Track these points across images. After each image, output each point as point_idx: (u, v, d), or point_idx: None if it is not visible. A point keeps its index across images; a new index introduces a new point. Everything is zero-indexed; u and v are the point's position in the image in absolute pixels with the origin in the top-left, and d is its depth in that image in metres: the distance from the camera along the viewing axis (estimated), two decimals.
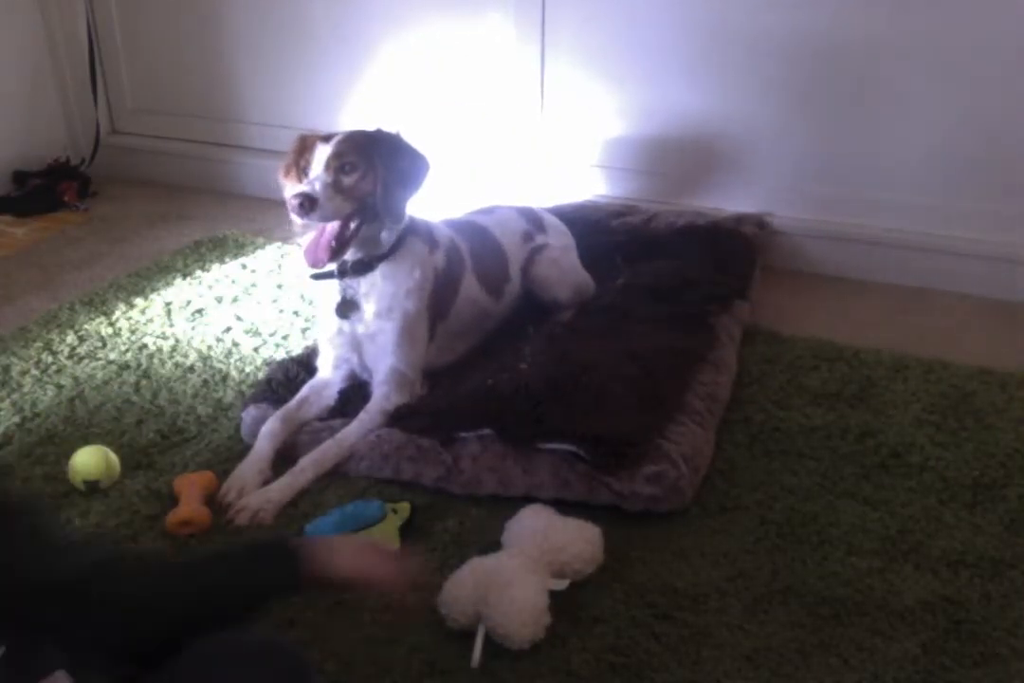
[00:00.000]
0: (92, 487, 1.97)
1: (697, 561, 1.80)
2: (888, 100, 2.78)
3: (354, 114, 3.38)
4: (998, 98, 2.68)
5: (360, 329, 2.16)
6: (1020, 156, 2.71)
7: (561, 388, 2.04)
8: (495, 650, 1.59)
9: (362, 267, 2.14)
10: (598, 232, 2.87)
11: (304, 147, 2.10)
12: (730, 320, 2.47)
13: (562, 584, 1.66)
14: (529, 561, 1.67)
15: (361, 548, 1.41)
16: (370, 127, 2.16)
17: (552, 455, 1.93)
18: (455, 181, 3.20)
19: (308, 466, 1.99)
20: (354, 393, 2.20)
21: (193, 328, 2.64)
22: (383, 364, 2.14)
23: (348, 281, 2.14)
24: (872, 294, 2.86)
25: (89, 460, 1.98)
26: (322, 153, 2.05)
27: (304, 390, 2.18)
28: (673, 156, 3.06)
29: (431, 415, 2.04)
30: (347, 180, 2.04)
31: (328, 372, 2.22)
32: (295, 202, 2.00)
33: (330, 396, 2.19)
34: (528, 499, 1.90)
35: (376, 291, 2.14)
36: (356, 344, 2.18)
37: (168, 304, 2.76)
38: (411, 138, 2.19)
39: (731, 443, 2.12)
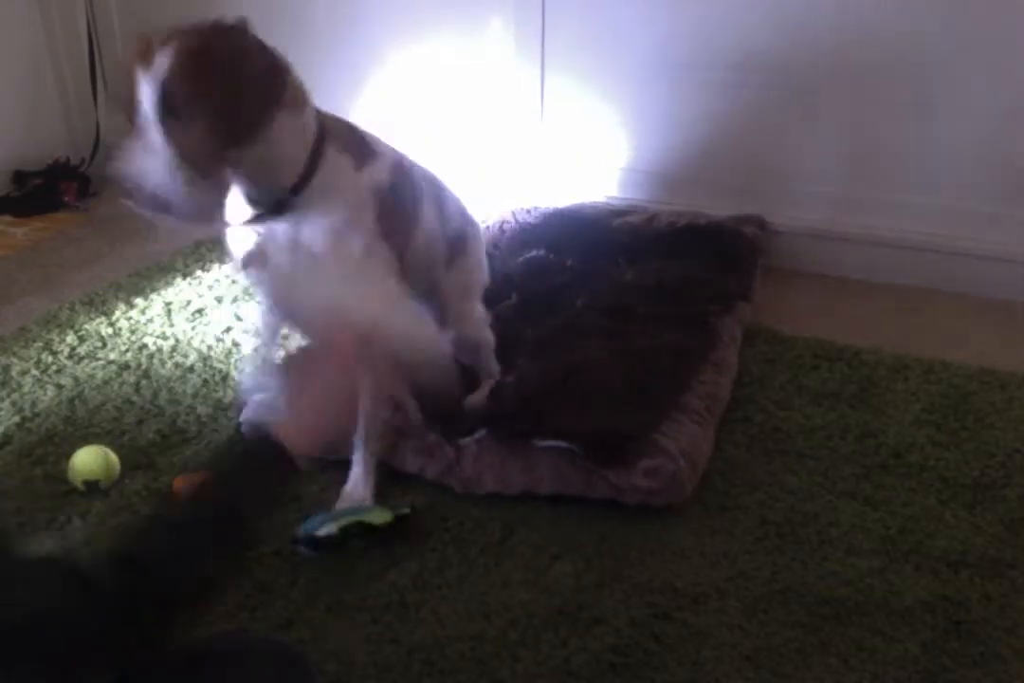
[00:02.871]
0: (92, 487, 1.97)
1: (697, 561, 1.80)
2: (888, 100, 2.77)
3: (355, 118, 3.38)
4: (999, 98, 2.68)
5: (304, 279, 1.69)
6: (1021, 156, 2.71)
7: (559, 386, 2.05)
8: (495, 650, 1.59)
9: (272, 207, 1.61)
10: (598, 232, 2.88)
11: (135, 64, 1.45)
12: (732, 321, 2.47)
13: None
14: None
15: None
16: (207, 22, 1.54)
17: (550, 452, 1.94)
18: (458, 183, 3.20)
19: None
20: None
21: (193, 328, 2.64)
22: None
23: (260, 231, 1.65)
24: (872, 294, 2.86)
25: (89, 460, 1.98)
26: (145, 98, 1.42)
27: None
28: (674, 156, 3.06)
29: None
30: (189, 136, 1.42)
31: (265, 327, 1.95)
32: (140, 205, 1.43)
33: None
34: (527, 496, 1.90)
35: (307, 227, 1.63)
36: (298, 295, 1.73)
37: (168, 304, 2.77)
38: (252, 30, 1.62)
39: (731, 443, 2.12)
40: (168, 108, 1.43)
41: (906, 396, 2.29)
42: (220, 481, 1.19)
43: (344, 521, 1.78)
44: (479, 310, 2.14)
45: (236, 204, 1.62)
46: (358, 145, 1.72)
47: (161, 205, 1.42)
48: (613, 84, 3.04)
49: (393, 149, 1.84)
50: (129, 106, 1.46)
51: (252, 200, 1.62)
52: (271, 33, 3.54)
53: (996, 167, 2.74)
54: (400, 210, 1.76)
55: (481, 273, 2.17)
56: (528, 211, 3.01)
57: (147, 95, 1.43)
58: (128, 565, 1.12)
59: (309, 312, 1.67)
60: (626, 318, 2.40)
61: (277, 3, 3.38)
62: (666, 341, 2.27)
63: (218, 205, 1.51)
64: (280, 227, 1.64)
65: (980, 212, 2.79)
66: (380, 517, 1.80)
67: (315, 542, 1.77)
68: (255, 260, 1.69)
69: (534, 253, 2.74)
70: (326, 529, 1.76)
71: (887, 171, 2.85)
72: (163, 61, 1.42)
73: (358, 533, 1.78)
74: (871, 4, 2.71)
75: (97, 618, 1.05)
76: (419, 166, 1.93)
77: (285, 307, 1.81)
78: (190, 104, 1.42)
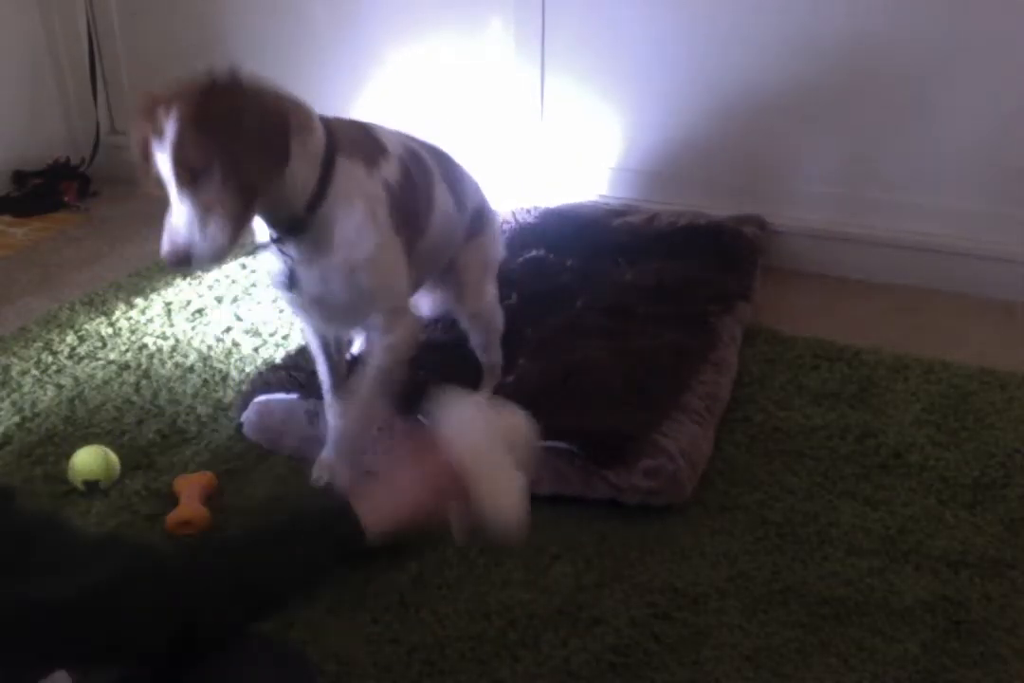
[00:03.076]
0: (92, 487, 1.97)
1: (697, 561, 1.80)
2: (888, 100, 2.78)
3: (355, 117, 3.38)
4: (999, 98, 2.68)
5: (317, 290, 1.76)
6: (1021, 156, 2.71)
7: (559, 386, 2.05)
8: (495, 650, 1.59)
9: (295, 226, 1.68)
10: (598, 232, 2.88)
11: (145, 129, 1.53)
12: (732, 321, 2.47)
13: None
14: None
15: (399, 487, 1.22)
16: (201, 82, 1.53)
17: (549, 452, 1.94)
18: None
19: (342, 424, 1.91)
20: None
21: (193, 328, 2.64)
22: (368, 314, 1.82)
23: (285, 250, 1.73)
24: (872, 294, 2.86)
25: (89, 460, 1.98)
26: (164, 163, 1.52)
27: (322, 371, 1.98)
28: (674, 156, 3.06)
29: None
30: (205, 193, 1.52)
31: (316, 348, 1.97)
32: (169, 261, 1.55)
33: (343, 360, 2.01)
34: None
35: (322, 246, 1.70)
36: (318, 305, 1.83)
37: (168, 304, 2.77)
38: (255, 77, 1.60)
39: (731, 443, 2.12)
40: (184, 172, 1.51)
41: (906, 396, 2.29)
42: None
43: None
44: (493, 290, 2.18)
45: (256, 229, 1.71)
46: (366, 145, 1.75)
47: (186, 260, 1.53)
48: (613, 84, 3.04)
49: (401, 136, 1.87)
50: (145, 167, 1.56)
51: (270, 224, 1.70)
52: (271, 33, 3.55)
53: (996, 167, 2.75)
54: (413, 200, 1.80)
55: (497, 250, 2.22)
56: (528, 211, 3.01)
57: (163, 164, 1.52)
58: (209, 552, 1.13)
59: (345, 322, 1.81)
60: (626, 318, 2.40)
61: (277, 3, 3.38)
62: (666, 341, 2.27)
63: (237, 243, 1.59)
64: (303, 244, 1.70)
65: (980, 212, 2.79)
66: None
67: None
68: (284, 282, 1.77)
69: (534, 253, 2.74)
70: None
71: (887, 171, 2.85)
72: (170, 130, 1.50)
73: None
74: (871, 6, 2.71)
75: (159, 599, 1.05)
76: (429, 145, 1.97)
77: (324, 323, 1.88)
78: (203, 167, 1.50)
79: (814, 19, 2.76)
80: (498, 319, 2.19)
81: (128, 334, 2.60)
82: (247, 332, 2.60)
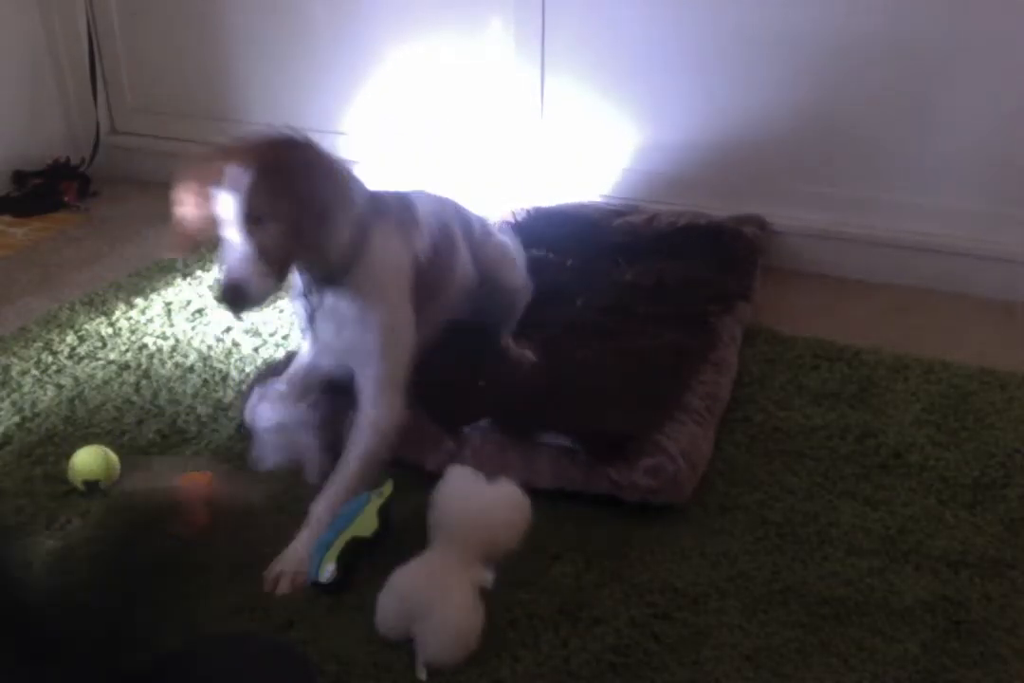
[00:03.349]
0: (92, 487, 1.97)
1: (697, 561, 1.80)
2: (888, 101, 2.78)
3: (355, 116, 3.39)
4: (999, 99, 2.68)
5: (336, 340, 1.91)
6: (1021, 156, 2.71)
7: (560, 384, 2.05)
8: (494, 650, 1.60)
9: (328, 280, 1.84)
10: (598, 232, 2.88)
11: (204, 178, 1.69)
12: (732, 321, 2.47)
13: (490, 581, 1.61)
14: (457, 556, 1.62)
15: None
16: (276, 141, 1.71)
17: (550, 447, 1.94)
18: (457, 183, 3.20)
19: (323, 514, 1.82)
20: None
21: (193, 328, 2.64)
22: (368, 373, 1.91)
23: (311, 299, 1.88)
24: (872, 294, 2.86)
25: (89, 460, 1.98)
26: (228, 208, 1.66)
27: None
28: (674, 156, 3.06)
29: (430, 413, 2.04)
30: (266, 238, 1.67)
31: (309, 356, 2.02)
32: (223, 298, 1.68)
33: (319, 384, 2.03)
34: (527, 488, 1.90)
35: (347, 300, 1.86)
36: (334, 353, 1.97)
37: (168, 304, 2.77)
38: (318, 143, 1.75)
39: (731, 443, 2.12)
40: (251, 216, 1.65)
41: (906, 396, 2.29)
42: None
43: (337, 547, 1.73)
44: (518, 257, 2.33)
45: (292, 278, 1.86)
46: (403, 218, 1.94)
47: (240, 295, 1.67)
48: (613, 84, 3.04)
49: (435, 205, 2.07)
50: (195, 223, 1.72)
51: (305, 275, 1.86)
52: (271, 33, 3.54)
53: (996, 167, 2.75)
54: (435, 276, 2.00)
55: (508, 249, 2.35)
56: (528, 211, 3.01)
57: (232, 206, 1.65)
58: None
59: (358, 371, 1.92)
60: (626, 318, 2.40)
61: (277, 3, 3.38)
62: (666, 341, 2.27)
63: (282, 286, 1.77)
64: (327, 298, 1.86)
65: (980, 212, 2.79)
66: (366, 525, 1.77)
67: (324, 586, 1.72)
68: (309, 327, 1.92)
69: (534, 253, 2.74)
70: (327, 573, 1.72)
71: (887, 171, 2.85)
72: (245, 176, 1.64)
73: (355, 553, 1.75)
74: (872, 5, 2.71)
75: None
76: (461, 212, 2.18)
77: (334, 362, 1.99)
78: (270, 211, 1.65)
79: (815, 19, 2.76)
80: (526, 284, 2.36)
81: (128, 334, 2.60)
82: (247, 332, 2.60)
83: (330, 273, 1.83)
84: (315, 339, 1.96)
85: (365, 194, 1.84)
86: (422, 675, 1.55)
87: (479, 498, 1.70)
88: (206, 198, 1.69)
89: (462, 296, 2.16)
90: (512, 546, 1.67)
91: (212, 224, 1.71)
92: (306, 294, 1.88)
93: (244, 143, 1.70)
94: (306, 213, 1.67)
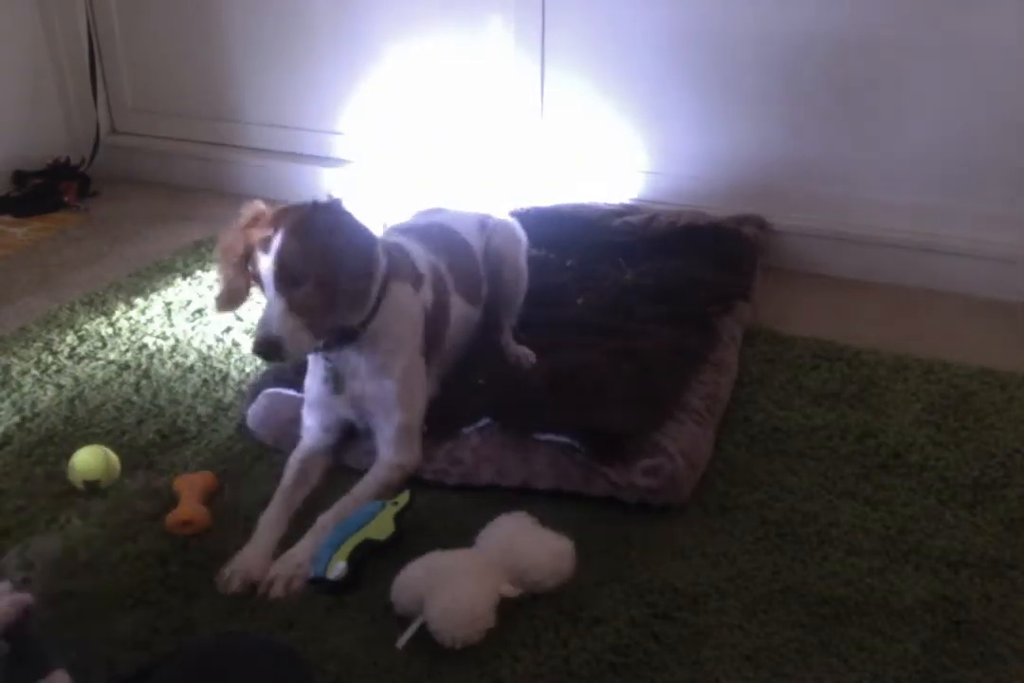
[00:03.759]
0: (92, 487, 1.97)
1: (697, 561, 1.80)
2: (889, 101, 2.78)
3: (354, 116, 3.39)
4: (999, 99, 2.68)
5: (356, 390, 1.97)
6: (1020, 157, 2.71)
7: (560, 383, 2.05)
8: (494, 650, 1.60)
9: (347, 337, 1.93)
10: (598, 232, 2.88)
11: (250, 236, 1.81)
12: (732, 321, 2.47)
13: (514, 591, 1.64)
14: (486, 563, 1.67)
15: None
16: (306, 205, 1.83)
17: (550, 446, 1.95)
18: (456, 183, 3.20)
19: (329, 523, 1.83)
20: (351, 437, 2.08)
21: (193, 328, 2.64)
22: (388, 422, 1.97)
23: (334, 354, 1.95)
24: (872, 294, 2.86)
25: (89, 460, 1.98)
26: (266, 267, 1.78)
27: (293, 465, 1.98)
28: (674, 156, 3.06)
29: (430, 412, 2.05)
30: (300, 296, 1.77)
31: (316, 437, 2.03)
32: (258, 351, 1.78)
33: (325, 462, 2.03)
34: (527, 494, 1.91)
35: (366, 353, 1.95)
36: (352, 403, 2.00)
37: (168, 304, 2.77)
38: (350, 208, 1.88)
39: (731, 443, 2.12)
40: (284, 275, 1.76)
41: (906, 396, 2.29)
42: None
43: (349, 546, 1.73)
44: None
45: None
46: (410, 270, 2.02)
47: (275, 350, 1.76)
48: (613, 83, 3.04)
49: (425, 248, 2.13)
50: (236, 282, 1.86)
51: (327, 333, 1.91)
52: (271, 32, 3.55)
53: (995, 167, 2.75)
54: (439, 321, 2.09)
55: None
56: (528, 211, 3.01)
57: (267, 268, 1.77)
58: None
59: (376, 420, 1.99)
60: (626, 318, 2.40)
61: (277, 3, 3.38)
62: (666, 341, 2.27)
63: (316, 344, 1.86)
64: (346, 352, 1.94)
65: (980, 212, 2.79)
66: (382, 528, 1.78)
67: (330, 585, 1.72)
68: (329, 382, 1.98)
69: (534, 253, 2.74)
70: (337, 570, 1.72)
71: (887, 172, 2.85)
72: (277, 239, 1.77)
73: (366, 555, 1.75)
74: (867, 12, 2.71)
75: None
76: (446, 242, 2.22)
77: (350, 413, 2.03)
78: (303, 270, 1.76)
79: (814, 19, 2.76)
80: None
81: (128, 334, 2.60)
82: (247, 332, 2.60)
83: (351, 329, 1.91)
84: (329, 399, 2.00)
85: (383, 251, 1.94)
86: (401, 643, 1.58)
87: (526, 533, 1.75)
88: (246, 259, 1.82)
89: (464, 338, 2.24)
90: (543, 585, 1.69)
91: (252, 283, 1.85)
92: (324, 349, 1.94)
93: (281, 209, 1.82)
94: (339, 272, 1.78)
